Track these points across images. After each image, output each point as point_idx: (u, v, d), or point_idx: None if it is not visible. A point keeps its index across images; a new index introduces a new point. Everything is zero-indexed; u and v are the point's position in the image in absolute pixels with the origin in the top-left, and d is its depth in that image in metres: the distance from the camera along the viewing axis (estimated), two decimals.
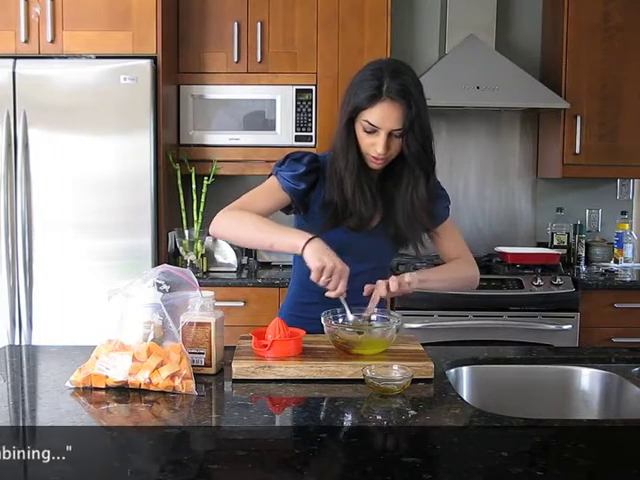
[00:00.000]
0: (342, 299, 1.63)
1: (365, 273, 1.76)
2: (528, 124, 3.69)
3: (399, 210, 1.78)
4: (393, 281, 1.67)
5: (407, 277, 1.69)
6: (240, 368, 1.52)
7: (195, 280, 1.56)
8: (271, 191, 1.77)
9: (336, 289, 1.59)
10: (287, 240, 1.65)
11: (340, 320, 1.66)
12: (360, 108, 1.66)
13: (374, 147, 1.67)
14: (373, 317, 1.69)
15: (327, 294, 1.60)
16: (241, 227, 1.72)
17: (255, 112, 3.29)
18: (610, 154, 3.37)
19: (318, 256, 1.58)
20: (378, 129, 1.65)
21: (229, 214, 1.73)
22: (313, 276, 1.58)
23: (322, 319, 1.62)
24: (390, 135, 1.66)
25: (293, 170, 1.76)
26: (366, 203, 1.73)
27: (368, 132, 1.67)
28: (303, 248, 1.60)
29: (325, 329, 1.62)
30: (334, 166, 1.75)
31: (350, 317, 1.66)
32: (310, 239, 1.60)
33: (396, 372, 1.47)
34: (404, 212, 1.77)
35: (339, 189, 1.74)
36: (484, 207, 3.71)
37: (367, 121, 1.66)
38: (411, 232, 1.79)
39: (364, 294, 1.69)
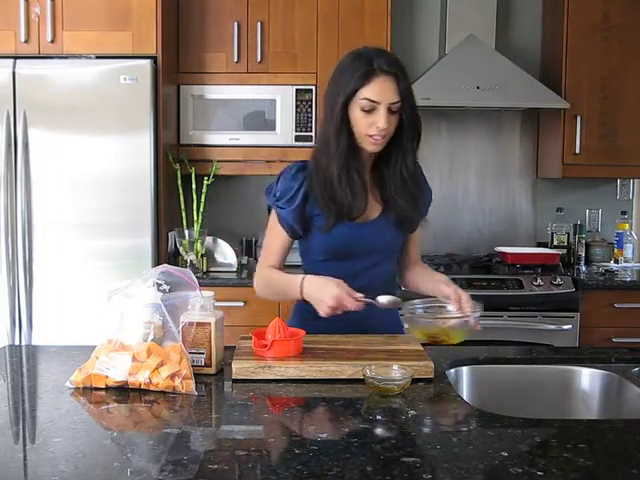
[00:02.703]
0: (366, 300, 1.65)
1: (376, 265, 1.81)
2: (528, 124, 3.69)
3: (392, 187, 1.79)
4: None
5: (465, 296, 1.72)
6: (240, 368, 1.52)
7: (195, 280, 1.56)
8: (279, 233, 1.86)
9: (352, 308, 1.63)
10: (292, 294, 1.75)
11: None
12: (356, 88, 1.68)
13: (375, 124, 1.68)
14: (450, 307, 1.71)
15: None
16: (269, 293, 1.90)
17: (255, 112, 3.29)
18: (610, 154, 3.37)
19: (317, 303, 1.66)
20: (377, 104, 1.67)
21: (258, 279, 1.87)
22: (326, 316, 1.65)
23: (405, 310, 1.69)
24: (388, 110, 1.68)
25: (290, 205, 1.80)
26: (352, 188, 1.73)
27: (367, 111, 1.68)
28: (302, 296, 1.71)
29: (412, 321, 1.69)
30: (319, 156, 1.77)
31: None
32: (301, 285, 1.70)
33: (396, 372, 1.47)
34: (396, 187, 1.78)
35: (325, 178, 1.75)
36: (484, 207, 3.71)
37: (366, 98, 1.67)
38: (409, 208, 1.80)
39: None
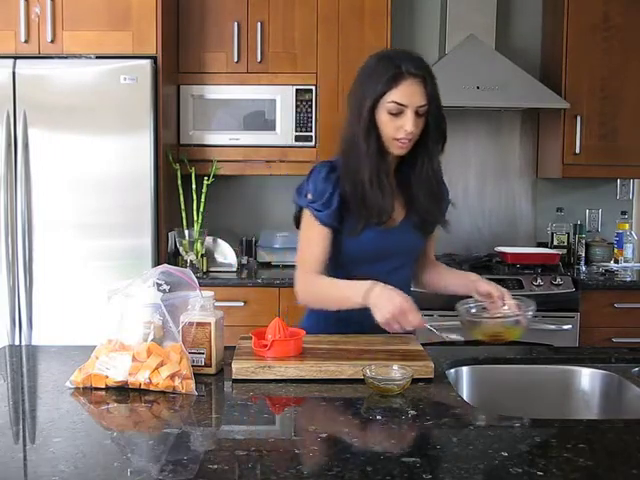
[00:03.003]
0: (428, 327, 1.62)
1: (396, 269, 1.81)
2: (528, 124, 3.69)
3: (417, 189, 1.78)
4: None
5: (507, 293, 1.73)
6: (240, 368, 1.52)
7: (195, 280, 1.56)
8: (319, 233, 1.77)
9: (412, 324, 1.59)
10: (350, 300, 1.67)
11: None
12: (384, 92, 1.68)
13: (402, 128, 1.68)
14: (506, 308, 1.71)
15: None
16: (321, 301, 1.78)
17: (255, 112, 3.29)
18: (610, 154, 3.37)
19: (381, 306, 1.59)
20: (405, 108, 1.67)
21: (303, 286, 1.77)
22: (386, 328, 1.61)
23: (462, 311, 1.69)
24: (416, 114, 1.68)
25: (327, 207, 1.75)
26: (383, 190, 1.72)
27: (394, 114, 1.68)
28: (364, 300, 1.63)
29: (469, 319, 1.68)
30: (349, 159, 1.75)
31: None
32: (368, 289, 1.62)
33: (396, 372, 1.47)
34: (421, 190, 1.78)
35: (355, 181, 1.73)
36: (484, 207, 3.71)
37: (394, 102, 1.67)
38: (433, 210, 1.80)
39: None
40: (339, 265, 1.80)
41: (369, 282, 1.64)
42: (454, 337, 1.60)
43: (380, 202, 1.73)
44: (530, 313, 1.68)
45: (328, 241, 1.77)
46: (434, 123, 1.72)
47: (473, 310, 1.72)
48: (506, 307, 1.70)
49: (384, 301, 1.59)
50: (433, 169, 1.78)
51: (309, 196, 1.77)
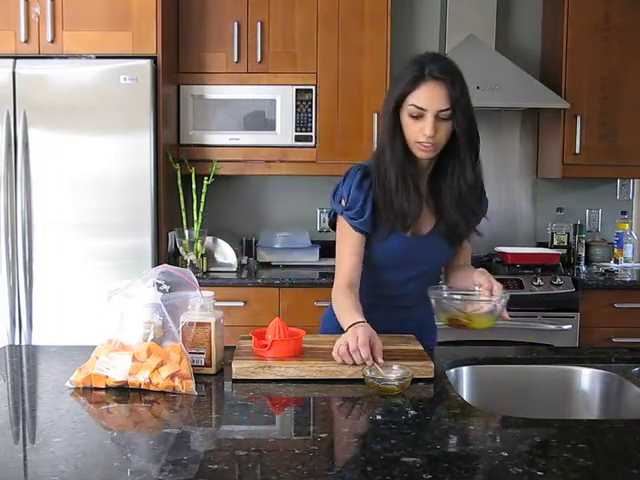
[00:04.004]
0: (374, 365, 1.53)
1: (424, 274, 1.83)
2: (528, 124, 3.69)
3: (447, 198, 1.77)
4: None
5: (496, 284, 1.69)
6: (240, 368, 1.52)
7: (195, 280, 1.56)
8: (353, 243, 1.78)
9: (357, 360, 1.53)
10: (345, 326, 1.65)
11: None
12: (405, 93, 1.66)
13: (422, 131, 1.66)
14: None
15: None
16: (336, 315, 1.76)
17: (255, 112, 3.29)
18: (610, 154, 3.37)
19: (341, 340, 1.56)
20: (425, 112, 1.65)
21: (332, 297, 1.79)
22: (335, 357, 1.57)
23: (433, 294, 1.69)
24: (437, 118, 1.65)
25: (360, 216, 1.76)
26: (409, 196, 1.72)
27: (415, 117, 1.67)
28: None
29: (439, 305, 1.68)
30: (379, 162, 1.75)
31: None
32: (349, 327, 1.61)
33: (396, 372, 1.47)
34: (452, 198, 1.76)
35: (383, 184, 1.74)
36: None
37: (413, 105, 1.66)
38: (460, 222, 1.78)
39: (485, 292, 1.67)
40: (368, 267, 1.82)
41: (359, 320, 1.62)
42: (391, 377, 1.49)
43: (405, 206, 1.72)
44: (494, 301, 1.64)
45: (362, 247, 1.79)
46: (460, 129, 1.69)
47: (445, 294, 1.73)
48: (477, 294, 1.69)
49: (350, 335, 1.56)
50: (465, 178, 1.75)
51: (343, 202, 1.79)
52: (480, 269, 1.79)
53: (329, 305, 1.89)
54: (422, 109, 1.65)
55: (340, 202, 1.80)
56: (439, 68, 1.65)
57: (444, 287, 1.78)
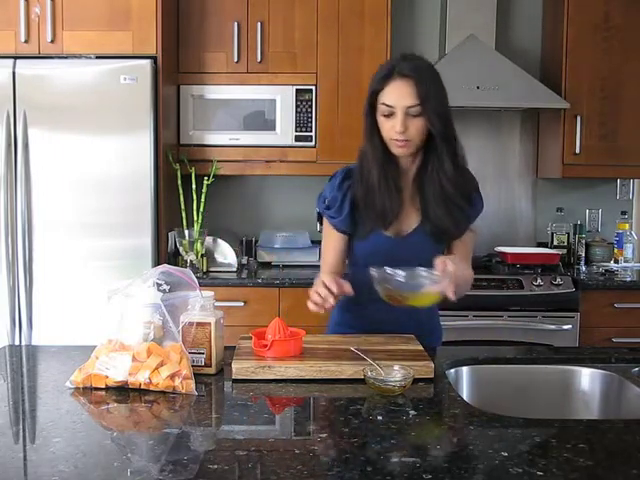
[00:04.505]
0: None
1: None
2: (528, 124, 3.69)
3: (430, 194, 1.78)
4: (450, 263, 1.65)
5: (450, 266, 1.64)
6: (240, 368, 1.52)
7: (195, 280, 1.56)
8: (333, 240, 1.88)
9: (326, 292, 1.66)
10: None
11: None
12: (376, 92, 1.71)
13: (393, 128, 1.69)
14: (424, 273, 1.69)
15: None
16: None
17: (255, 112, 3.29)
18: (610, 154, 3.37)
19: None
20: (394, 109, 1.68)
21: None
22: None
23: (373, 271, 1.68)
24: (407, 115, 1.68)
25: (339, 214, 1.84)
26: (390, 195, 1.76)
27: (387, 115, 1.70)
28: None
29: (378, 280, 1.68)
30: (362, 162, 1.80)
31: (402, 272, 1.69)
32: None
33: (397, 372, 1.47)
34: (434, 193, 1.77)
35: (366, 183, 1.78)
36: (484, 207, 3.70)
37: (384, 103, 1.70)
38: (446, 216, 1.78)
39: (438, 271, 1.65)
40: (352, 265, 1.90)
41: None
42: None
43: (386, 205, 1.76)
44: (428, 282, 1.64)
45: (343, 245, 1.88)
46: (433, 125, 1.70)
47: (388, 271, 1.70)
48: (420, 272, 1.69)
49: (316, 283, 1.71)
50: (444, 172, 1.75)
51: (326, 202, 1.86)
52: (449, 256, 1.78)
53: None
54: (391, 107, 1.69)
55: (324, 202, 1.87)
56: (408, 66, 1.70)
57: (387, 267, 1.74)
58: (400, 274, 1.67)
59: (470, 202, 1.85)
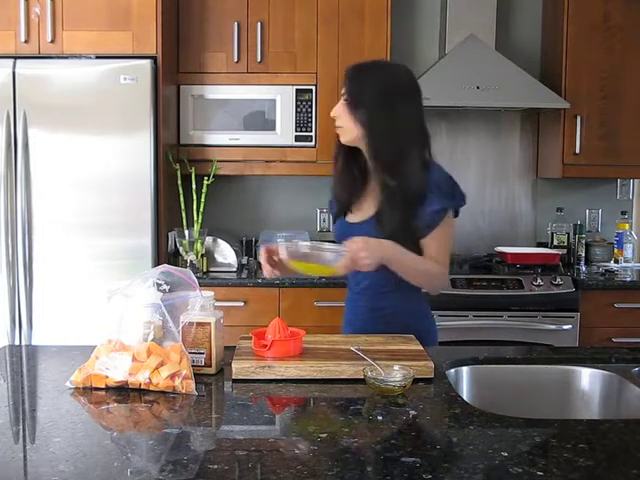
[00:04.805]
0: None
1: None
2: (528, 124, 3.69)
3: (380, 189, 1.84)
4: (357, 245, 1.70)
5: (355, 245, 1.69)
6: (240, 368, 1.52)
7: (195, 280, 1.56)
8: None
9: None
10: None
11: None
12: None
13: None
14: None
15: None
16: None
17: (255, 112, 3.29)
18: (610, 154, 3.37)
19: None
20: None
21: None
22: None
23: (281, 241, 1.83)
24: (344, 105, 1.83)
25: (331, 200, 2.06)
26: (347, 182, 1.91)
27: None
28: None
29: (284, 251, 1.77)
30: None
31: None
32: None
33: (397, 372, 1.47)
34: (381, 189, 1.83)
35: (334, 170, 1.96)
36: (484, 207, 3.71)
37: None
38: (389, 209, 1.80)
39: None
40: None
41: None
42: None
43: (343, 191, 1.93)
44: (329, 254, 1.71)
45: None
46: (360, 121, 1.79)
47: (294, 241, 1.80)
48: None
49: None
50: (380, 165, 1.81)
51: None
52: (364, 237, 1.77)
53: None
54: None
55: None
56: (354, 66, 1.87)
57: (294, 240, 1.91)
58: (304, 245, 1.78)
59: (421, 201, 1.80)
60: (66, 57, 2.97)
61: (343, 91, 1.85)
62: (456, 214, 1.91)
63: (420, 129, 1.83)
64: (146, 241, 2.94)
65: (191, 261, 3.15)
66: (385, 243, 1.73)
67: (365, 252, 1.68)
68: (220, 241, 3.29)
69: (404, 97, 1.81)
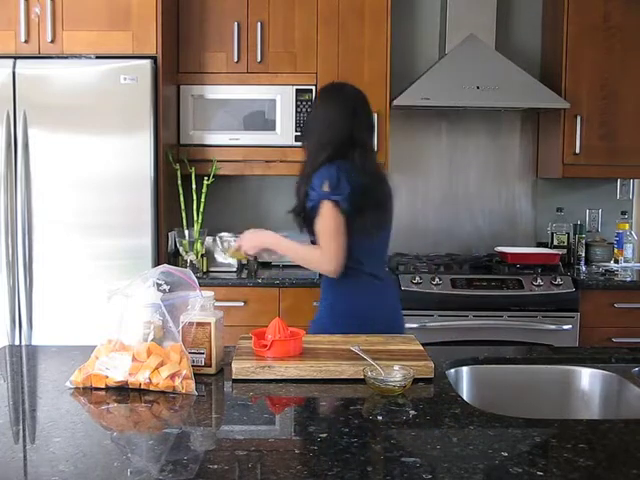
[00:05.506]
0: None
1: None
2: (528, 124, 3.69)
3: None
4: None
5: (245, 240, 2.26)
6: (240, 368, 1.52)
7: (195, 280, 1.56)
8: None
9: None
10: None
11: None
12: None
13: None
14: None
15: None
16: None
17: (255, 112, 3.29)
18: (610, 154, 3.37)
19: None
20: None
21: None
22: None
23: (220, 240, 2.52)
24: None
25: None
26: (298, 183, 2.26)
27: None
28: None
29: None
30: None
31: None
32: None
33: (397, 372, 1.47)
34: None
35: None
36: (484, 207, 3.71)
37: None
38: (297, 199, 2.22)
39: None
40: None
41: None
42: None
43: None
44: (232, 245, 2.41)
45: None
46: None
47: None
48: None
49: None
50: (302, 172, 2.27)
51: None
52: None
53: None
54: None
55: None
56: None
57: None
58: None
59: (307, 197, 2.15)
60: (66, 57, 2.97)
61: None
62: (338, 205, 2.10)
63: (326, 133, 2.22)
64: (146, 241, 2.94)
65: (191, 261, 3.15)
66: (266, 233, 2.26)
67: (247, 240, 2.25)
68: (220, 241, 3.28)
69: (320, 106, 2.27)
